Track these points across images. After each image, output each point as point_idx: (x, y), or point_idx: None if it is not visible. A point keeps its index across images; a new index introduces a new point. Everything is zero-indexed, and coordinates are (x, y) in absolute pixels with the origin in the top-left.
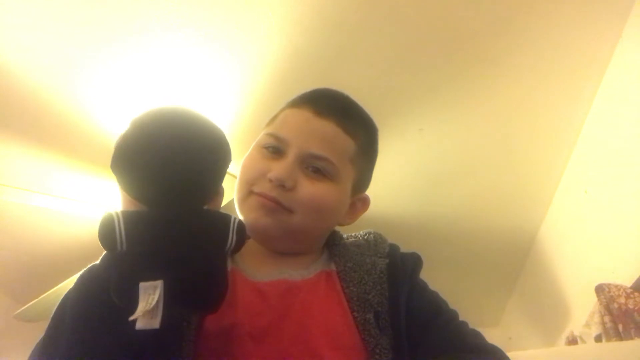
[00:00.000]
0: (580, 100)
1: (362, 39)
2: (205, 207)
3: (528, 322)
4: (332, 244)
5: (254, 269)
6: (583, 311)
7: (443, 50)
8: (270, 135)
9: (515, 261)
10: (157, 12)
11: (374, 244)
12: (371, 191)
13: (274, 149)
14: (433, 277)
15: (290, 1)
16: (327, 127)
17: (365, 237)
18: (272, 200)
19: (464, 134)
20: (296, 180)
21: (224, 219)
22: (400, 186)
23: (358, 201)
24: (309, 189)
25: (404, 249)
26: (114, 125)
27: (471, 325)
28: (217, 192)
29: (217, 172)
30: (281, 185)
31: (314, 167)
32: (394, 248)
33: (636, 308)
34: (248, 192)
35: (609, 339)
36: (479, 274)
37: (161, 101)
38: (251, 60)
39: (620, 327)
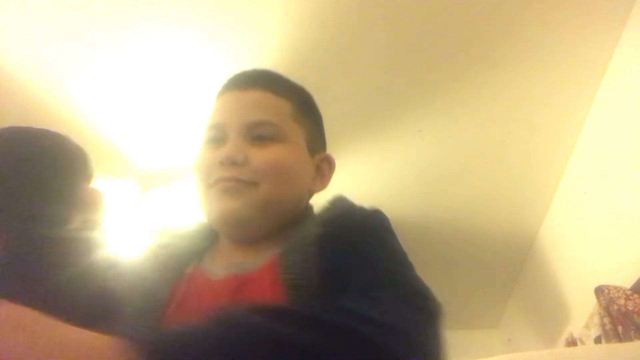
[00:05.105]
0: (580, 102)
1: (362, 41)
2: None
3: (527, 323)
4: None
5: (215, 265)
6: (583, 313)
7: (442, 52)
8: (207, 128)
9: (515, 263)
10: (157, 13)
11: (325, 211)
12: (371, 192)
13: (216, 139)
14: (433, 279)
15: (291, 2)
16: (255, 95)
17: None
18: (232, 179)
19: (463, 136)
20: (246, 153)
21: None
22: (400, 187)
23: (322, 163)
24: (262, 155)
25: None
26: (113, 124)
27: (471, 327)
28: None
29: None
30: (233, 162)
31: (258, 135)
32: (342, 215)
33: (636, 310)
34: (207, 187)
35: (608, 341)
36: (479, 275)
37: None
38: (250, 60)
39: (620, 328)
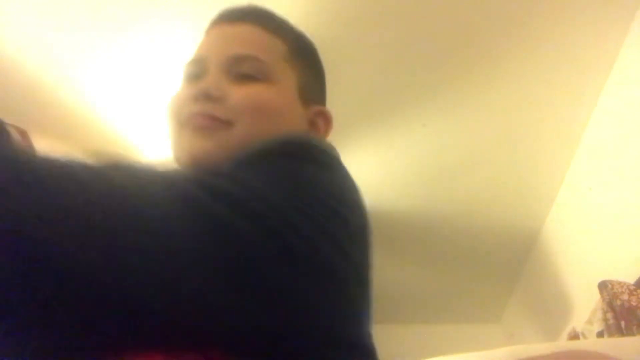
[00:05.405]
0: (586, 97)
1: (366, 35)
2: None
3: (530, 318)
4: None
5: None
6: (585, 308)
7: (448, 46)
8: (187, 63)
9: (518, 257)
10: (164, 5)
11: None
12: (374, 186)
13: (195, 75)
14: (436, 272)
15: None
16: (245, 29)
17: None
18: (205, 115)
19: (467, 130)
20: (224, 89)
21: None
22: (404, 182)
23: (318, 117)
24: (242, 92)
25: (407, 243)
26: (119, 115)
27: (473, 321)
28: None
29: None
30: (208, 97)
31: (242, 72)
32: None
33: (639, 305)
34: (178, 125)
35: (611, 336)
36: (482, 269)
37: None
38: None
39: (622, 323)
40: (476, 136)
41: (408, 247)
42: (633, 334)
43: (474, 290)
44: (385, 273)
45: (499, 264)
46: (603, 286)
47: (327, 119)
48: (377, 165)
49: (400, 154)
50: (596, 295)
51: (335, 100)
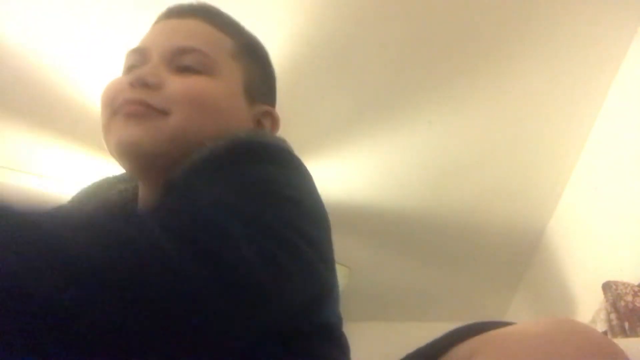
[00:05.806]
0: (592, 97)
1: (373, 32)
2: None
3: (534, 317)
4: None
5: None
6: (589, 308)
7: (454, 43)
8: (129, 52)
9: (523, 257)
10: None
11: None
12: (379, 182)
13: (136, 64)
14: (440, 271)
15: None
16: (191, 23)
17: None
18: (139, 102)
19: (473, 128)
20: (162, 78)
21: None
22: (408, 179)
23: (264, 117)
24: (180, 82)
25: (411, 242)
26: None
27: (475, 320)
28: None
29: None
30: (144, 84)
31: (184, 65)
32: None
33: None
34: (111, 114)
35: (614, 336)
36: (486, 268)
37: None
38: None
39: (626, 324)
40: (481, 134)
41: (412, 246)
42: (637, 335)
43: (478, 289)
44: (390, 272)
45: (503, 263)
46: (607, 287)
47: (274, 120)
48: (381, 162)
49: (405, 150)
50: (600, 296)
51: (341, 97)
